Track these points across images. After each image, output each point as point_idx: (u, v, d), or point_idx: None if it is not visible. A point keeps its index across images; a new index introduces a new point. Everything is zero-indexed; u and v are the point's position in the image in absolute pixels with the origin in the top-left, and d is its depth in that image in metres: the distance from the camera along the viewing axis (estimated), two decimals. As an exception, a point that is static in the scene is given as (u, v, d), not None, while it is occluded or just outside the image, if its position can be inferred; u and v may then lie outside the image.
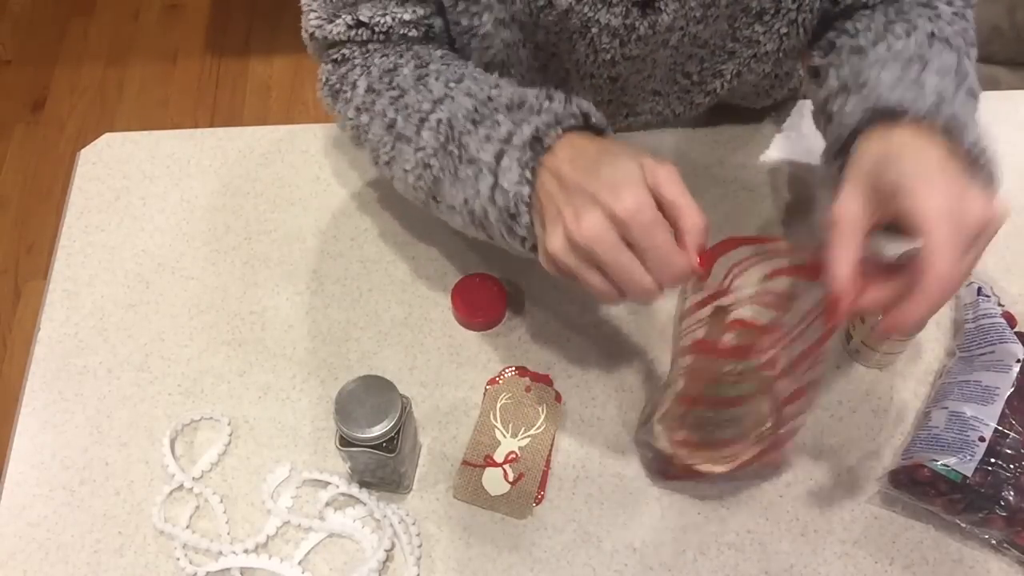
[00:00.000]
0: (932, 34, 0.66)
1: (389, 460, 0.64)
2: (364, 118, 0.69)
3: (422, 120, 0.64)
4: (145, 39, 2.16)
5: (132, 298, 0.80)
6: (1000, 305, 0.74)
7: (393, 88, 0.68)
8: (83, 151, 0.89)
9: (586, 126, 0.59)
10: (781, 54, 0.77)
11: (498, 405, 0.73)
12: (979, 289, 0.75)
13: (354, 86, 0.70)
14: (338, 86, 0.72)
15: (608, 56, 0.73)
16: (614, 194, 0.52)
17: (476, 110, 0.62)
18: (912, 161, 0.54)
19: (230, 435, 0.72)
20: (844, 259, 0.54)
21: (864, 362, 0.76)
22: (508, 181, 0.57)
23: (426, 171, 0.65)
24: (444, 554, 0.68)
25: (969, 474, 0.64)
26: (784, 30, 0.74)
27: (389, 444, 0.63)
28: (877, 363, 0.75)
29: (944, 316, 0.78)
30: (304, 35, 0.73)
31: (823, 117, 0.70)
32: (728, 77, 0.79)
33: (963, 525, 0.67)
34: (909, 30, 0.67)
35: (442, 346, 0.77)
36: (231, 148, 0.89)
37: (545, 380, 0.75)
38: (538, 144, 0.57)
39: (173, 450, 0.71)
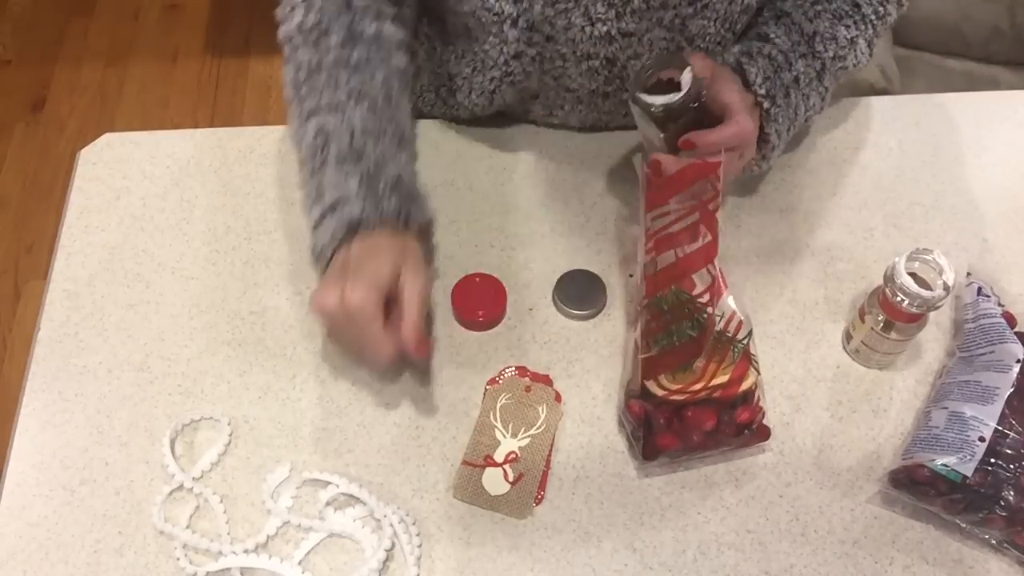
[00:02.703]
0: (856, 3, 0.77)
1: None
2: (286, 50, 0.77)
3: (312, 112, 0.73)
4: (145, 39, 2.16)
5: (132, 298, 0.80)
6: (1000, 305, 0.74)
7: (316, 50, 0.74)
8: (83, 151, 0.89)
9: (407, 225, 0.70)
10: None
11: (498, 405, 0.73)
12: (979, 289, 0.75)
13: (292, 10, 0.76)
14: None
15: (604, 29, 0.73)
16: (352, 286, 0.64)
17: (347, 152, 0.70)
18: (741, 103, 0.72)
19: (230, 435, 0.72)
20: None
21: (864, 362, 0.76)
22: (322, 237, 0.69)
23: (296, 145, 0.75)
24: (444, 554, 0.68)
25: (969, 474, 0.64)
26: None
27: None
28: (877, 363, 0.75)
29: (944, 316, 0.78)
30: None
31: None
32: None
33: (963, 525, 0.67)
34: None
35: (442, 346, 0.77)
36: (231, 148, 0.89)
37: (545, 380, 0.75)
38: (355, 226, 0.67)
39: (173, 450, 0.71)
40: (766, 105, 0.72)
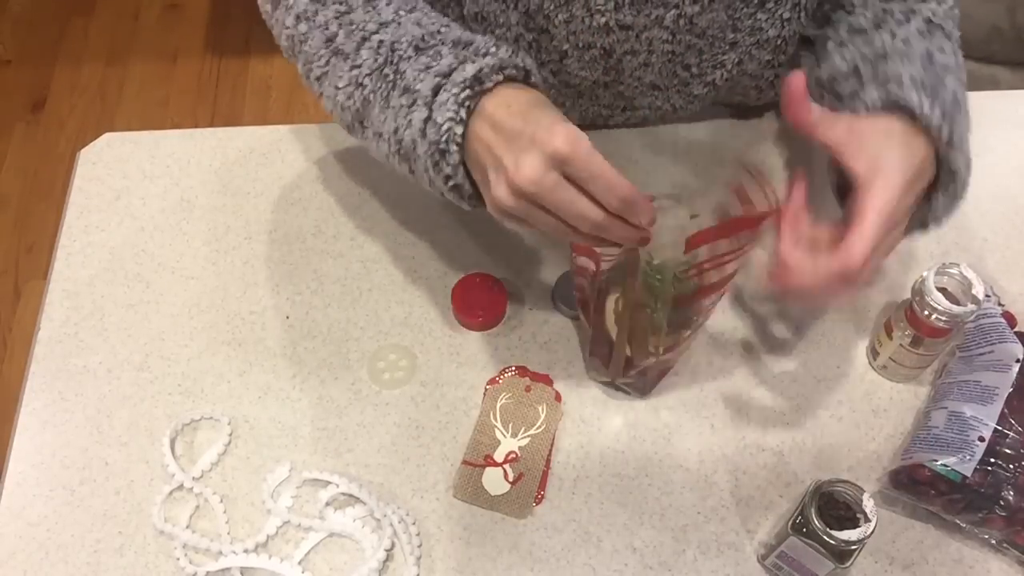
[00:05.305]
0: (929, 20, 0.69)
1: None
2: (303, 27, 0.67)
3: (363, 39, 0.64)
4: (145, 39, 2.16)
5: (132, 298, 0.80)
6: (1000, 305, 0.74)
7: (339, 2, 0.66)
8: (83, 151, 0.89)
9: (526, 81, 0.60)
10: (781, 40, 0.77)
11: (498, 405, 0.73)
12: (979, 289, 0.75)
13: None
14: None
15: (603, 20, 0.72)
16: (549, 132, 0.52)
17: (422, 39, 0.62)
18: (892, 159, 0.59)
19: (230, 435, 0.72)
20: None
21: (891, 377, 0.75)
22: (442, 116, 0.58)
23: (358, 91, 0.64)
24: (444, 554, 0.68)
25: (969, 474, 0.64)
26: (787, 15, 0.75)
27: None
28: (904, 377, 0.75)
29: (944, 316, 0.78)
30: None
31: (829, 95, 0.72)
32: (729, 67, 0.79)
33: (963, 525, 0.67)
34: (908, 14, 0.70)
35: (442, 346, 0.77)
36: (231, 148, 0.89)
37: (545, 380, 0.75)
38: (478, 84, 0.57)
39: (173, 450, 0.71)
40: (946, 133, 0.60)
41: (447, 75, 0.59)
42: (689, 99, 0.84)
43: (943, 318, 0.67)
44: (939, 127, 0.61)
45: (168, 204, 0.85)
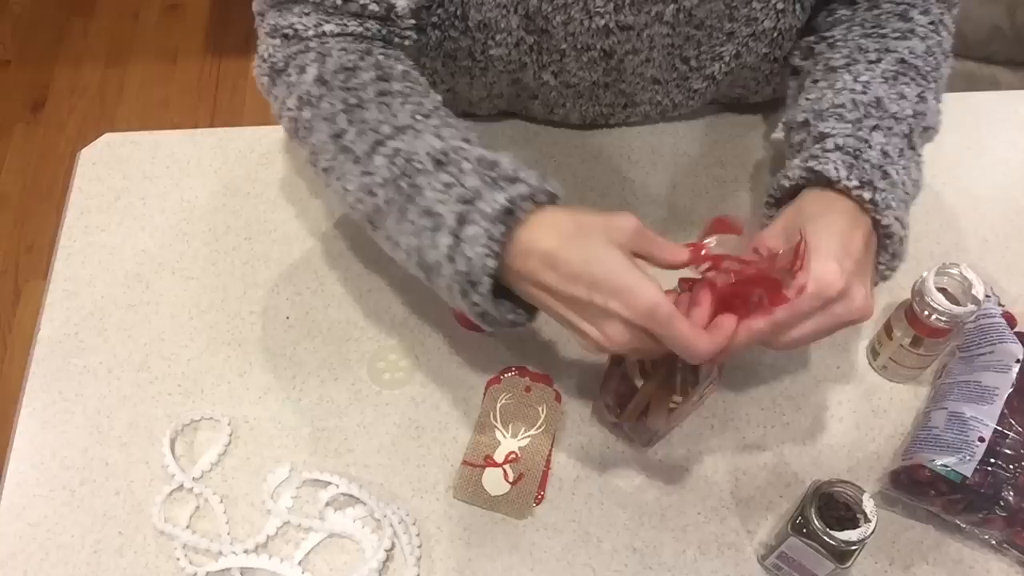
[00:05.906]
0: (902, 60, 0.69)
1: None
2: (306, 113, 0.64)
3: (378, 143, 0.61)
4: (145, 39, 2.16)
5: (132, 298, 0.80)
6: (1000, 305, 0.74)
7: (349, 91, 0.63)
8: (83, 151, 0.89)
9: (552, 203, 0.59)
10: (777, 33, 0.77)
11: (498, 405, 0.73)
12: (979, 289, 0.75)
13: (302, 71, 0.65)
14: (282, 66, 0.67)
15: (602, 22, 0.73)
16: (625, 303, 0.53)
17: (443, 152, 0.59)
18: (823, 233, 0.58)
19: (230, 435, 0.72)
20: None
21: (891, 377, 0.75)
22: (472, 250, 0.55)
23: (369, 197, 0.61)
24: (444, 554, 0.68)
25: (969, 474, 0.64)
26: (781, 6, 0.75)
27: None
28: (904, 377, 0.75)
29: (944, 316, 0.78)
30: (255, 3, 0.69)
31: (787, 141, 0.73)
32: (727, 59, 0.79)
33: (963, 525, 0.67)
34: (880, 54, 0.70)
35: (442, 346, 0.77)
36: (231, 148, 0.89)
37: (545, 380, 0.75)
38: (510, 217, 0.55)
39: (173, 450, 0.71)
40: (866, 196, 0.60)
41: (471, 201, 0.56)
42: (689, 94, 0.84)
43: (943, 318, 0.67)
44: (858, 192, 0.60)
45: (168, 204, 0.85)
